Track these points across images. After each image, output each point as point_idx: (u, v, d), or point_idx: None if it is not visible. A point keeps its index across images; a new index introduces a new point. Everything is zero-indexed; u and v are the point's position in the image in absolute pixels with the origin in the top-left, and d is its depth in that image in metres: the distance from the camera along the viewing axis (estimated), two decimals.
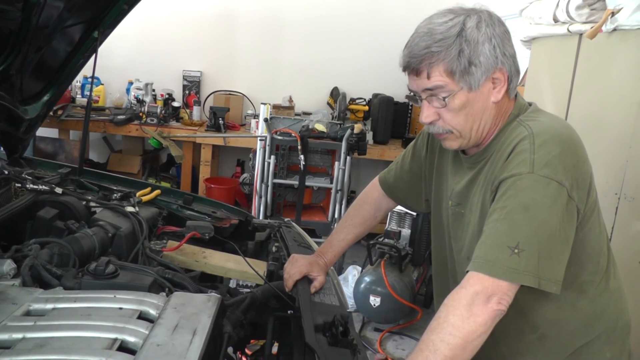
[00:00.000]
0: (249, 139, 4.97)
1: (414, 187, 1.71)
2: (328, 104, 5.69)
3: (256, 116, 5.08)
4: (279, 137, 4.30)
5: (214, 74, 5.76)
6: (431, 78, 1.30)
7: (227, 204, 2.39)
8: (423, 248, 4.05)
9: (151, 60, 5.63)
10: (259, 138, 4.49)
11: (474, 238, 1.36)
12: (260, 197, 4.36)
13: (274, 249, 2.00)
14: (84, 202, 1.97)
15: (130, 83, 5.40)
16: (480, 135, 1.38)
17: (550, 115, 1.41)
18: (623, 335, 1.47)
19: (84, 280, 1.39)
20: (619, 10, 2.17)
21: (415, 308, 3.78)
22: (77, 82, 5.33)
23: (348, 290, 3.88)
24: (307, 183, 4.40)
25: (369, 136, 5.07)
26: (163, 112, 5.12)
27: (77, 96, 5.31)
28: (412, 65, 1.31)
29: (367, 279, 3.72)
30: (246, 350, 1.78)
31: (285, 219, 2.31)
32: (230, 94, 5.65)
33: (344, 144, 4.25)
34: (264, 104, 4.63)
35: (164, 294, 1.39)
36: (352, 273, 4.21)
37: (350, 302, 3.77)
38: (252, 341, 1.82)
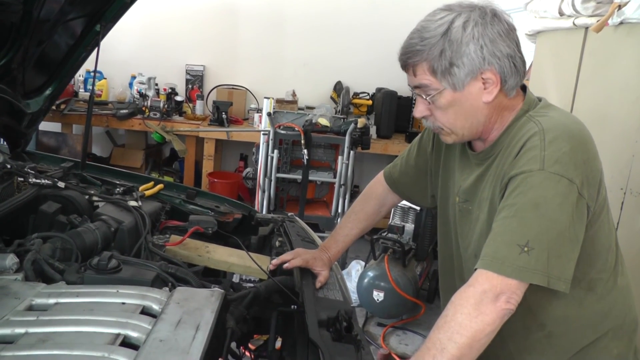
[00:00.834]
0: (252, 133, 4.97)
1: (420, 182, 1.70)
2: (331, 98, 5.68)
3: (259, 110, 5.08)
4: (282, 132, 4.29)
5: (216, 68, 5.76)
6: (417, 76, 1.32)
7: (230, 198, 2.38)
8: (427, 243, 4.04)
9: (154, 55, 5.62)
10: (262, 132, 4.48)
11: (482, 235, 1.34)
12: (264, 191, 4.36)
13: (277, 243, 1.99)
14: (87, 197, 1.96)
15: (133, 77, 5.40)
16: (474, 133, 1.38)
17: (560, 110, 1.39)
18: (630, 332, 1.46)
19: (87, 275, 1.38)
20: (625, 4, 2.15)
21: (418, 303, 3.77)
22: (79, 76, 5.33)
23: (351, 285, 3.87)
24: (311, 177, 4.39)
25: (373, 130, 5.07)
26: (166, 106, 5.11)
27: (80, 90, 5.32)
28: (401, 62, 1.35)
29: (370, 273, 3.71)
30: (249, 346, 1.78)
31: (289, 214, 2.30)
32: (233, 88, 5.64)
33: (347, 138, 4.24)
34: (267, 98, 4.63)
35: (167, 288, 1.39)
36: (355, 268, 4.20)
37: (354, 297, 3.76)
38: (255, 336, 1.81)
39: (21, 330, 1.09)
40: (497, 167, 1.34)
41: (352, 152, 4.30)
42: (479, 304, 1.15)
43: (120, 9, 2.16)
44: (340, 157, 4.30)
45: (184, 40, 5.67)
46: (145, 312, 1.23)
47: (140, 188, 2.17)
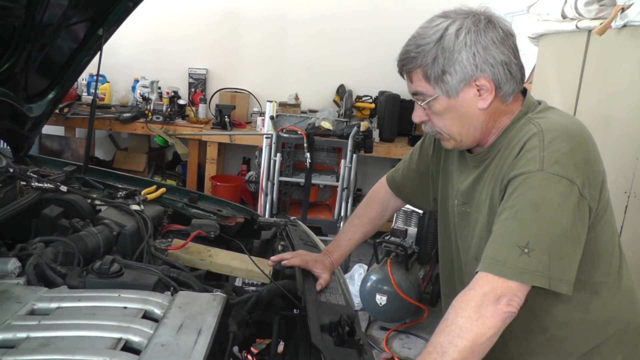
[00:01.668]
0: (255, 136, 4.96)
1: (422, 186, 1.70)
2: (334, 101, 5.68)
3: (262, 114, 5.08)
4: (285, 135, 4.29)
5: (219, 71, 5.76)
6: (413, 82, 1.34)
7: (233, 202, 2.38)
8: (429, 246, 4.03)
9: (157, 58, 5.63)
10: (265, 136, 4.48)
11: (482, 237, 1.34)
12: (266, 195, 4.35)
13: (280, 247, 1.98)
14: (89, 201, 1.96)
15: (136, 81, 5.40)
16: (472, 139, 1.38)
17: (560, 112, 1.38)
18: (635, 337, 1.44)
19: (89, 279, 1.38)
20: (629, 6, 2.14)
21: (421, 307, 3.77)
22: (83, 80, 5.34)
23: (354, 288, 3.87)
24: (313, 181, 4.39)
25: (376, 134, 5.07)
26: (169, 109, 5.11)
27: (83, 94, 5.32)
28: (398, 68, 1.37)
29: (373, 277, 3.70)
30: (252, 349, 1.77)
31: (291, 217, 2.30)
32: (236, 92, 5.65)
33: (350, 141, 4.24)
34: (270, 101, 4.62)
35: (169, 293, 1.38)
36: (358, 271, 4.20)
37: (357, 300, 3.76)
38: (257, 340, 1.81)
39: (23, 335, 1.09)
40: (495, 169, 1.34)
41: (354, 155, 4.29)
42: (480, 307, 1.14)
43: (123, 12, 2.17)
44: (343, 161, 4.30)
45: (186, 43, 5.68)
46: (147, 316, 1.23)
47: (143, 192, 2.17)
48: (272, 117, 4.41)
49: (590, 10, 2.41)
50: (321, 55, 5.71)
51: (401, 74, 1.37)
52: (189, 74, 5.69)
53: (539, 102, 1.40)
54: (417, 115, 1.39)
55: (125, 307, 1.24)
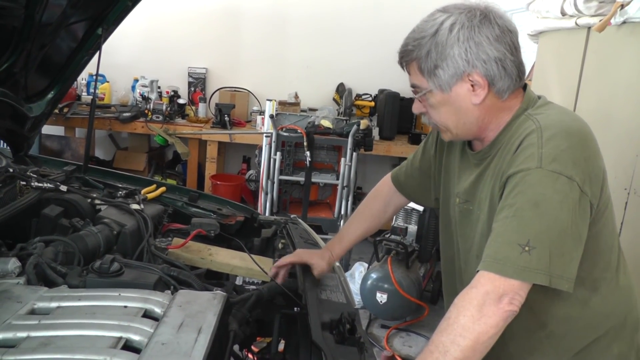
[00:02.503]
0: (254, 135, 4.96)
1: (424, 185, 1.71)
2: (334, 100, 5.68)
3: (262, 113, 5.08)
4: (285, 134, 4.29)
5: (219, 70, 5.76)
6: (411, 75, 1.36)
7: (233, 200, 2.38)
8: (430, 244, 4.03)
9: (156, 58, 5.63)
10: (264, 134, 4.48)
11: (483, 235, 1.34)
12: (267, 193, 4.35)
13: (280, 245, 1.99)
14: (89, 200, 1.96)
15: (136, 80, 5.40)
16: (468, 132, 1.38)
17: (560, 108, 1.38)
18: (631, 331, 1.45)
19: (89, 279, 1.38)
20: (628, 3, 2.14)
21: (422, 305, 3.77)
22: (82, 79, 5.34)
23: (355, 287, 3.87)
24: (313, 179, 4.39)
25: (375, 132, 5.06)
26: (169, 109, 5.11)
27: (83, 94, 5.32)
28: (398, 60, 1.38)
29: (373, 275, 3.71)
30: (252, 348, 1.77)
31: (292, 216, 2.30)
32: (235, 91, 5.64)
33: (350, 140, 4.24)
34: (270, 100, 4.62)
35: (169, 292, 1.38)
36: (358, 270, 4.20)
37: (357, 298, 3.76)
38: (258, 339, 1.81)
39: (23, 334, 1.09)
40: (496, 166, 1.34)
41: (354, 153, 4.29)
42: (482, 306, 1.15)
43: (122, 12, 2.17)
44: (342, 159, 4.30)
45: (186, 43, 5.68)
46: (147, 315, 1.23)
47: (143, 191, 2.18)
48: (271, 116, 4.41)
49: (590, 7, 2.41)
50: (321, 54, 5.71)
51: (400, 66, 1.39)
52: (189, 73, 5.69)
53: (539, 97, 1.40)
54: (416, 107, 1.41)
55: (125, 306, 1.24)
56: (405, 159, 1.81)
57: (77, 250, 1.57)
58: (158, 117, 5.02)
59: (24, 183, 1.91)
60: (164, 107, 5.06)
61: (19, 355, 1.02)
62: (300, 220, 2.24)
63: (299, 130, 4.25)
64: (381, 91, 5.39)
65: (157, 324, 1.18)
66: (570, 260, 1.20)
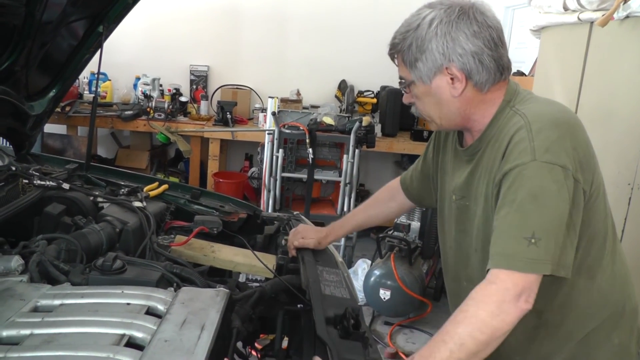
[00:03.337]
0: (257, 132, 4.96)
1: (426, 187, 1.76)
2: (336, 96, 5.67)
3: (264, 110, 5.08)
4: (287, 131, 4.29)
5: (221, 68, 5.76)
6: (399, 67, 1.42)
7: (235, 198, 2.38)
8: (433, 241, 4.03)
9: (158, 56, 5.63)
10: (267, 132, 4.48)
11: (480, 229, 1.37)
12: (269, 191, 4.35)
13: (283, 242, 1.98)
14: (91, 198, 1.96)
15: (138, 78, 5.40)
16: (451, 123, 1.43)
17: (544, 99, 1.41)
18: (630, 320, 1.46)
19: (92, 276, 1.38)
20: None
21: (425, 301, 3.77)
22: (84, 78, 5.34)
23: (358, 284, 3.87)
24: (316, 176, 4.39)
25: (378, 129, 5.05)
26: (170, 107, 5.11)
27: (85, 92, 5.32)
28: (388, 52, 1.44)
29: (376, 272, 3.70)
30: (256, 345, 1.77)
31: (294, 212, 2.30)
32: (237, 88, 5.64)
33: (352, 136, 4.23)
34: (272, 97, 4.62)
35: (172, 289, 1.38)
36: (361, 266, 4.20)
37: (360, 295, 3.76)
38: (261, 336, 1.81)
39: (26, 332, 1.09)
40: (487, 162, 1.37)
41: (357, 150, 4.29)
42: (502, 303, 1.16)
43: (123, 10, 2.17)
44: (345, 156, 4.29)
45: (187, 41, 5.67)
46: (150, 312, 1.23)
47: (145, 189, 2.17)
48: (273, 113, 4.41)
49: (592, 1, 2.40)
50: (322, 51, 5.70)
51: (392, 60, 1.45)
52: (190, 71, 5.69)
53: (522, 91, 1.42)
54: (406, 98, 1.47)
55: (128, 304, 1.24)
56: (407, 155, 1.84)
57: (80, 248, 1.57)
58: (160, 115, 5.02)
59: (27, 181, 1.91)
60: (166, 105, 5.06)
61: (23, 352, 1.02)
62: (302, 216, 2.24)
63: (301, 128, 4.25)
64: (383, 88, 5.38)
65: (160, 321, 1.18)
66: (567, 247, 1.22)
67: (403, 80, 1.42)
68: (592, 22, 2.48)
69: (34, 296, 1.23)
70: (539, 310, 1.38)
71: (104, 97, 5.27)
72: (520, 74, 3.99)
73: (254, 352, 1.79)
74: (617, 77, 2.35)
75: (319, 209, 4.59)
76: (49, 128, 5.03)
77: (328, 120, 4.43)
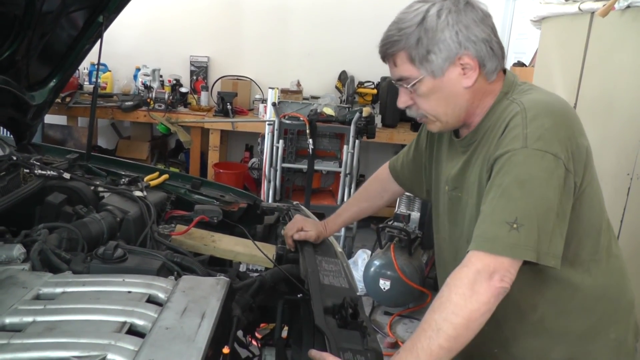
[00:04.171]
0: (257, 123, 4.96)
1: (416, 176, 1.74)
2: (336, 87, 5.66)
3: (264, 101, 5.07)
4: (287, 122, 4.29)
5: (221, 59, 5.75)
6: (397, 67, 1.36)
7: (236, 188, 2.38)
8: (432, 231, 4.03)
9: (158, 47, 5.62)
10: (267, 122, 4.48)
11: (472, 221, 1.35)
12: (269, 181, 4.36)
13: (282, 232, 1.99)
14: (92, 187, 1.97)
15: (138, 69, 5.39)
16: (457, 119, 1.40)
17: (542, 90, 1.40)
18: (627, 314, 1.46)
19: (93, 265, 1.39)
20: None
21: (425, 291, 3.78)
22: (84, 69, 5.34)
23: (358, 274, 3.88)
24: (316, 167, 4.39)
25: (378, 119, 5.05)
26: (171, 97, 5.11)
27: (85, 83, 5.32)
28: (381, 53, 1.40)
29: (376, 262, 3.71)
30: (256, 334, 1.78)
31: (294, 202, 2.30)
32: (237, 79, 5.63)
33: (352, 127, 4.23)
34: (272, 88, 4.61)
35: (173, 277, 1.39)
36: (361, 257, 4.21)
37: (360, 286, 3.77)
38: (262, 325, 1.82)
39: (29, 319, 1.10)
40: (482, 151, 1.36)
41: (357, 141, 4.29)
42: (474, 284, 1.15)
43: (123, 0, 2.16)
44: (345, 147, 4.30)
45: (187, 31, 5.66)
46: (151, 300, 1.23)
47: (146, 178, 2.18)
48: (274, 104, 4.40)
49: None
50: (323, 42, 5.68)
51: (384, 59, 1.41)
52: (191, 61, 5.67)
53: (522, 83, 1.42)
54: (402, 101, 1.41)
55: (129, 292, 1.25)
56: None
57: (81, 236, 1.57)
58: (160, 106, 5.02)
59: (28, 171, 1.91)
60: (166, 96, 5.06)
61: (26, 339, 1.03)
62: (302, 206, 2.25)
63: (301, 118, 4.25)
64: (383, 79, 5.37)
65: (160, 309, 1.18)
66: (556, 236, 1.21)
67: (405, 80, 1.36)
68: (593, 13, 2.48)
69: (36, 284, 1.24)
70: (534, 304, 1.39)
71: (104, 88, 5.27)
72: (520, 64, 3.98)
73: (254, 342, 1.80)
74: (618, 67, 2.35)
75: (319, 199, 4.60)
76: (49, 119, 5.02)
77: (328, 111, 4.43)
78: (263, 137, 4.63)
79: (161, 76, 5.33)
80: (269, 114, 4.53)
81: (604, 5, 2.29)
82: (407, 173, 1.77)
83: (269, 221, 2.12)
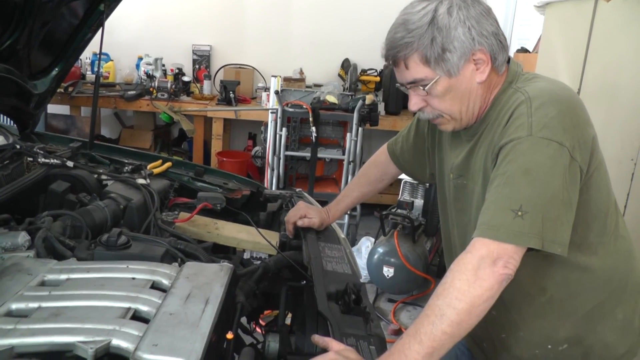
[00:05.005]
0: (260, 112, 4.96)
1: (419, 160, 1.74)
2: (339, 75, 5.65)
3: (267, 89, 5.07)
4: (290, 110, 4.28)
5: (223, 47, 5.73)
6: (410, 69, 1.33)
7: (239, 175, 2.38)
8: (436, 218, 4.03)
9: (160, 36, 5.61)
10: (270, 111, 4.47)
11: (478, 208, 1.35)
12: (273, 169, 4.36)
13: (286, 219, 1.99)
14: (96, 175, 1.97)
15: (140, 58, 5.39)
16: (472, 116, 1.39)
17: (547, 78, 1.39)
18: (635, 294, 1.46)
19: (97, 251, 1.40)
20: None
21: (428, 278, 3.79)
22: (86, 58, 5.34)
23: (361, 261, 3.89)
24: (319, 155, 4.39)
25: (381, 107, 5.04)
26: (173, 86, 5.11)
27: (87, 73, 5.32)
28: (390, 57, 1.36)
29: (380, 250, 3.72)
30: (260, 321, 1.79)
31: (297, 189, 2.30)
32: (240, 68, 5.62)
33: (355, 115, 4.23)
34: (275, 76, 4.61)
35: (176, 264, 1.40)
36: (365, 244, 4.21)
37: (364, 273, 3.78)
38: (266, 312, 1.83)
39: (35, 305, 1.11)
40: (486, 139, 1.36)
41: (360, 129, 4.28)
42: (477, 270, 1.16)
43: None
44: (348, 134, 4.29)
45: (190, 20, 5.64)
46: (155, 286, 1.24)
47: (149, 166, 2.18)
48: (277, 92, 4.40)
49: None
50: (325, 29, 5.66)
51: (394, 64, 1.36)
52: (193, 50, 5.67)
53: (525, 73, 1.42)
54: (414, 103, 1.40)
55: (133, 278, 1.25)
56: None
57: (85, 224, 1.58)
58: (163, 95, 5.02)
59: (31, 159, 1.92)
60: (169, 85, 5.05)
61: (32, 324, 1.04)
62: (305, 193, 2.25)
63: (304, 106, 4.24)
64: (386, 66, 5.35)
65: (164, 295, 1.19)
66: (562, 224, 1.21)
67: (420, 82, 1.34)
68: None
69: (41, 271, 1.25)
70: (543, 287, 1.39)
71: (107, 78, 5.27)
72: (524, 50, 3.96)
73: (258, 328, 1.81)
74: (622, 53, 2.34)
75: (323, 187, 4.60)
76: (52, 109, 5.03)
77: (331, 98, 4.42)
78: (266, 125, 4.63)
79: (164, 65, 5.33)
80: (272, 102, 4.53)
81: None
82: (408, 157, 1.77)
83: (272, 208, 2.13)
